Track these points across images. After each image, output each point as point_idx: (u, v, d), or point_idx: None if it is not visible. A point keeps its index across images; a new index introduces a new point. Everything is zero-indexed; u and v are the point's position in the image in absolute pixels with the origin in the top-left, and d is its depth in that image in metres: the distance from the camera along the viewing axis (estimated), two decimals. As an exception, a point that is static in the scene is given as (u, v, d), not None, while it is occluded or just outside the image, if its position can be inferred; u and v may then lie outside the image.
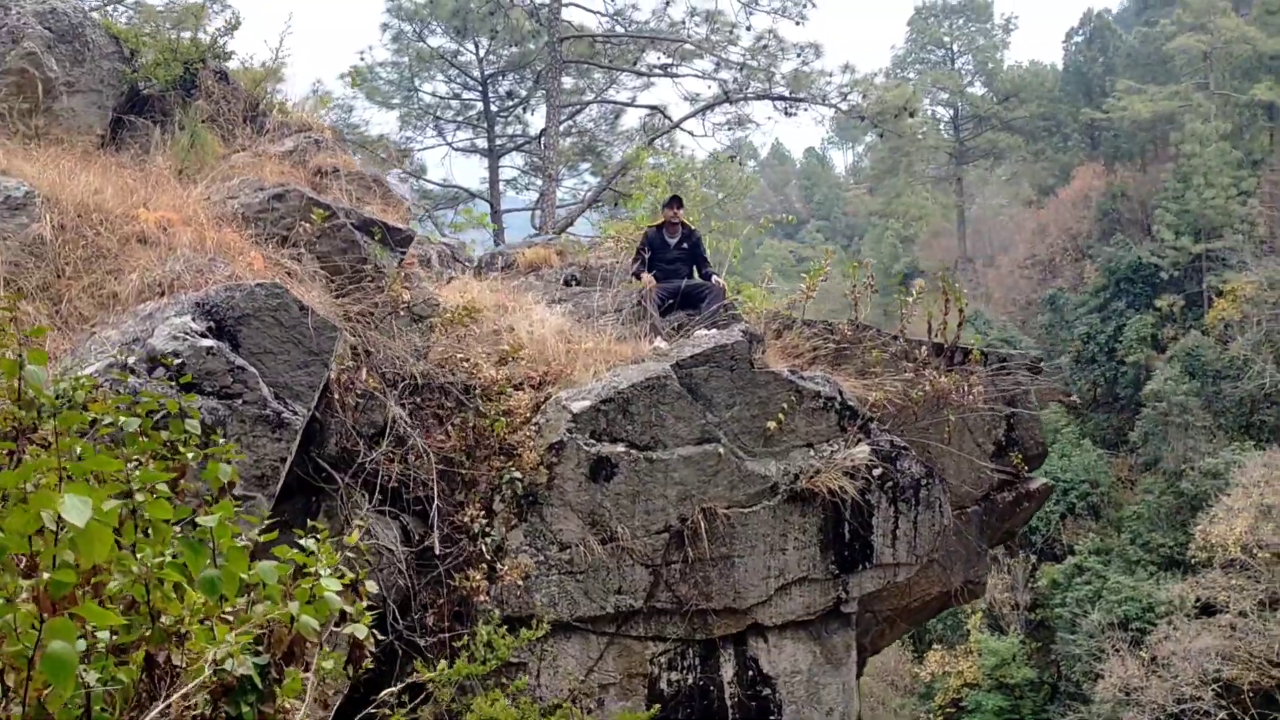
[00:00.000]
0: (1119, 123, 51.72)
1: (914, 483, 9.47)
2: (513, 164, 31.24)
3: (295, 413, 6.52)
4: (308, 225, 7.57)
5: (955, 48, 63.91)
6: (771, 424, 9.14)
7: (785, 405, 9.16)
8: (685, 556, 9.13)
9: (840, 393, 9.35)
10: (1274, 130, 50.84)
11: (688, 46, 23.00)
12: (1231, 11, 49.59)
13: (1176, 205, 47.08)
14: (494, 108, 29.42)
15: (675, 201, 10.78)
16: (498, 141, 29.57)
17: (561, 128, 27.34)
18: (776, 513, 9.25)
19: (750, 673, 9.60)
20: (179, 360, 6.10)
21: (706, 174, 22.88)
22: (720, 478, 9.07)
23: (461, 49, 27.85)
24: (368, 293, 7.67)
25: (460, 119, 30.30)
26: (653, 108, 25.71)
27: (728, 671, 9.54)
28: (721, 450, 9.02)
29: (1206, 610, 35.21)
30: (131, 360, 6.06)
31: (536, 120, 29.12)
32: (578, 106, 26.92)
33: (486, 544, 8.51)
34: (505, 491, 8.64)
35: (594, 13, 23.93)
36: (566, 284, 12.47)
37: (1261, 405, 40.39)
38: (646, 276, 10.00)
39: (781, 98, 22.78)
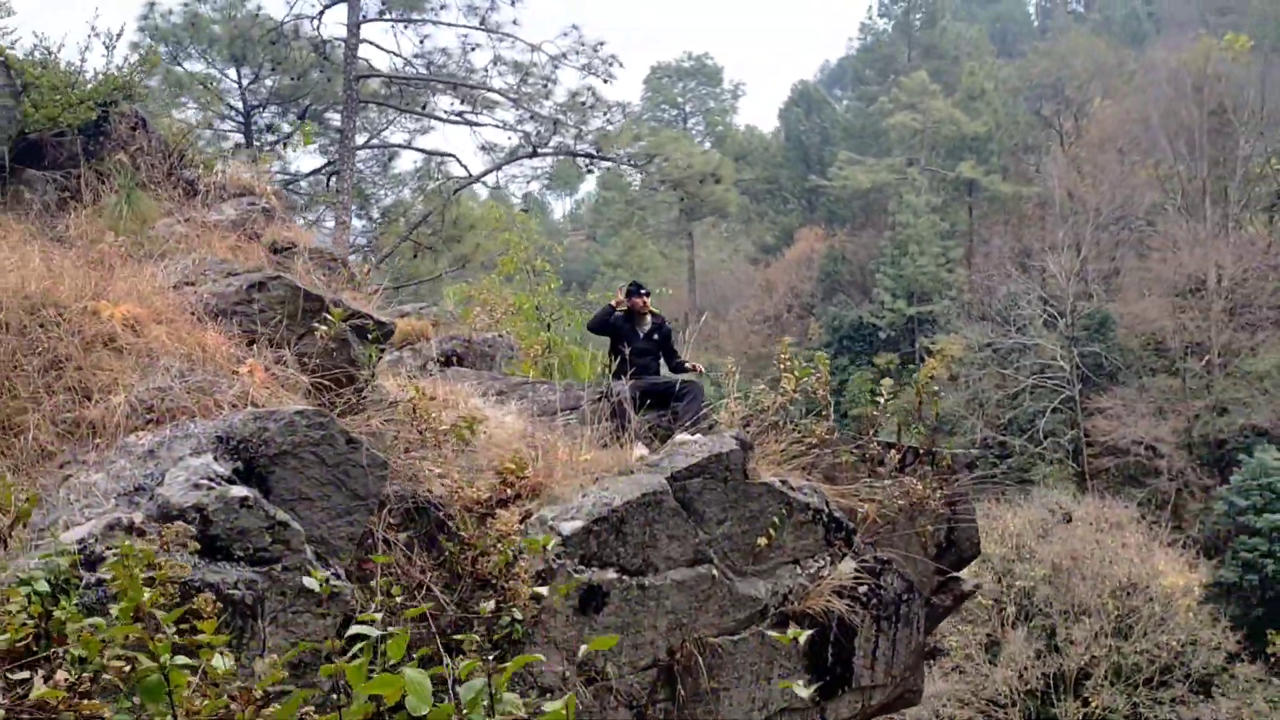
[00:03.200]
0: (839, 190, 55.13)
1: (895, 599, 8.93)
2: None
3: (339, 576, 5.02)
4: (323, 329, 5.99)
5: (688, 108, 66.04)
6: (762, 540, 8.32)
7: (776, 519, 8.38)
8: (673, 694, 8.11)
9: (827, 504, 8.68)
10: (973, 205, 55.90)
11: (490, 94, 21.88)
12: (940, 95, 54.15)
13: (893, 270, 50.55)
14: (255, 142, 26.95)
15: (639, 289, 9.78)
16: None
17: (328, 168, 25.42)
18: (764, 638, 8.42)
19: (729, 816, 8.67)
20: (203, 516, 4.51)
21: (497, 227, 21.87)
22: (711, 603, 8.13)
23: (224, 76, 25.29)
24: (356, 403, 6.19)
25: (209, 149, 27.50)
26: (444, 154, 24.29)
27: (708, 818, 8.57)
28: (715, 572, 8.10)
29: (933, 654, 37.36)
30: (139, 518, 4.41)
31: (299, 158, 26.94)
32: (355, 146, 25.04)
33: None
34: (477, 632, 7.32)
35: (388, 52, 22.31)
36: (446, 362, 11.11)
37: (976, 461, 43.67)
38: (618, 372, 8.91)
39: (588, 155, 22.09)
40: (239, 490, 4.71)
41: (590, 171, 22.60)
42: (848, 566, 8.62)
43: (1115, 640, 35.63)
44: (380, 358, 6.82)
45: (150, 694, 3.29)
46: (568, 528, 7.54)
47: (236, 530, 4.71)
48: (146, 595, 3.98)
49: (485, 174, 22.32)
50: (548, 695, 7.64)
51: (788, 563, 8.56)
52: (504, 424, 8.24)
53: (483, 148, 23.05)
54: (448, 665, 6.99)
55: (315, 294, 6.45)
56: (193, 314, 6.00)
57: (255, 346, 6.03)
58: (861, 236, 56.84)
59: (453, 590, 7.28)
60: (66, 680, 3.65)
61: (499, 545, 7.13)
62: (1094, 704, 35.25)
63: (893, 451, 9.20)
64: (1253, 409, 41.66)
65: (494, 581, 7.20)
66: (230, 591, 4.36)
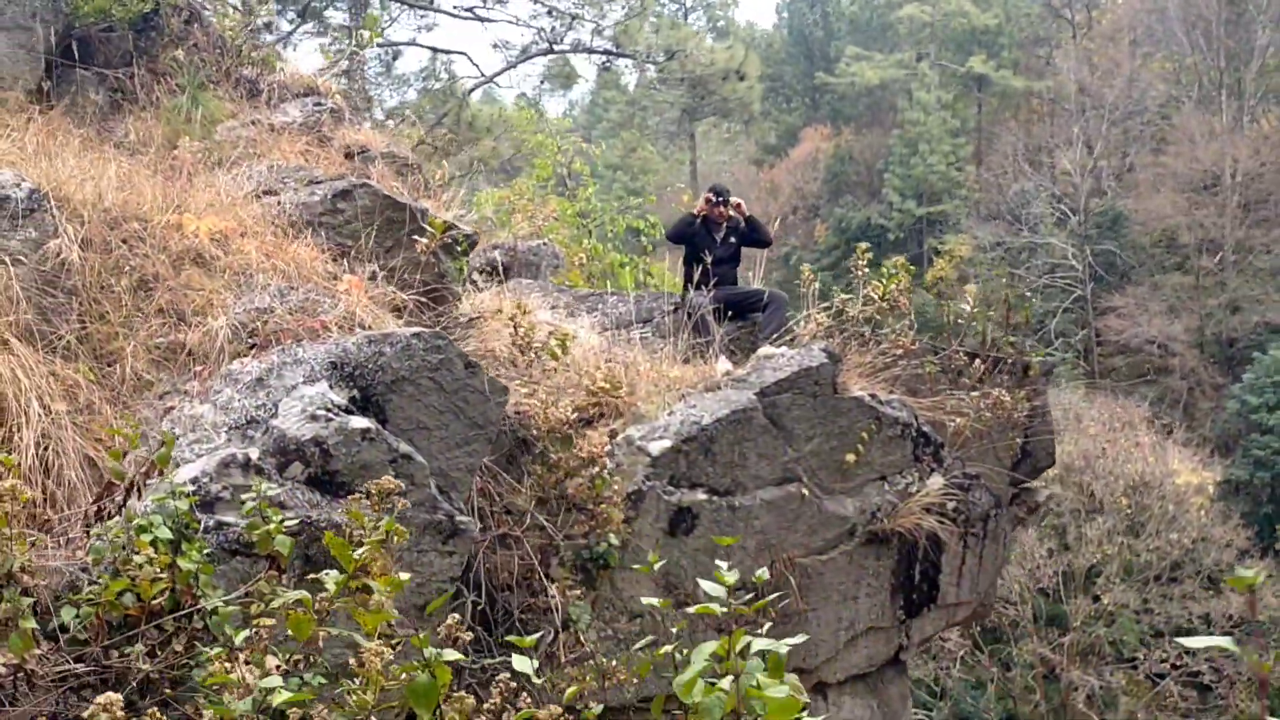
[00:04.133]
0: (846, 88, 53.86)
1: (984, 515, 8.60)
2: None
3: (461, 511, 4.61)
4: (424, 242, 5.47)
5: (688, 3, 64.15)
6: (850, 456, 7.93)
7: (865, 435, 7.98)
8: (760, 611, 7.80)
9: (915, 418, 8.28)
10: (983, 101, 54.69)
11: (503, -12, 20.88)
12: (951, -14, 52.61)
13: (902, 169, 49.63)
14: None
15: (720, 194, 9.22)
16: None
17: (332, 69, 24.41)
18: (853, 558, 8.09)
19: (810, 736, 8.45)
20: (322, 450, 4.07)
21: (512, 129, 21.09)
22: (800, 522, 7.78)
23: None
24: (450, 321, 5.72)
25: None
26: (454, 52, 23.33)
27: (788, 739, 8.34)
28: (805, 491, 7.72)
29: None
30: (254, 453, 3.98)
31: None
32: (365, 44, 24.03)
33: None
34: (565, 555, 6.98)
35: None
36: (492, 271, 10.60)
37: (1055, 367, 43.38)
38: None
39: (605, 52, 21.20)
40: (360, 421, 4.28)
41: (608, 69, 21.71)
42: (936, 483, 8.25)
43: (1127, 538, 35.81)
44: (470, 271, 6.33)
45: (421, 698, 2.87)
46: (656, 448, 7.14)
47: (359, 465, 4.29)
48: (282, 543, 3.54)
49: (499, 74, 21.48)
50: (638, 620, 7.34)
51: (875, 479, 8.19)
52: (579, 339, 7.77)
53: (495, 45, 22.09)
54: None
55: (403, 203, 5.92)
56: (277, 226, 5.47)
57: (346, 261, 5.53)
58: (869, 135, 55.69)
59: (540, 514, 6.92)
60: (278, 667, 3.22)
61: (591, 467, 6.72)
62: (1105, 600, 35.57)
63: (977, 361, 8.76)
64: (1266, 306, 41.33)
65: (585, 505, 6.83)
66: (358, 533, 3.94)
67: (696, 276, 8.40)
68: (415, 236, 5.82)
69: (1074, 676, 35.77)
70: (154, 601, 3.55)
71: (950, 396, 8.47)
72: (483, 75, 21.69)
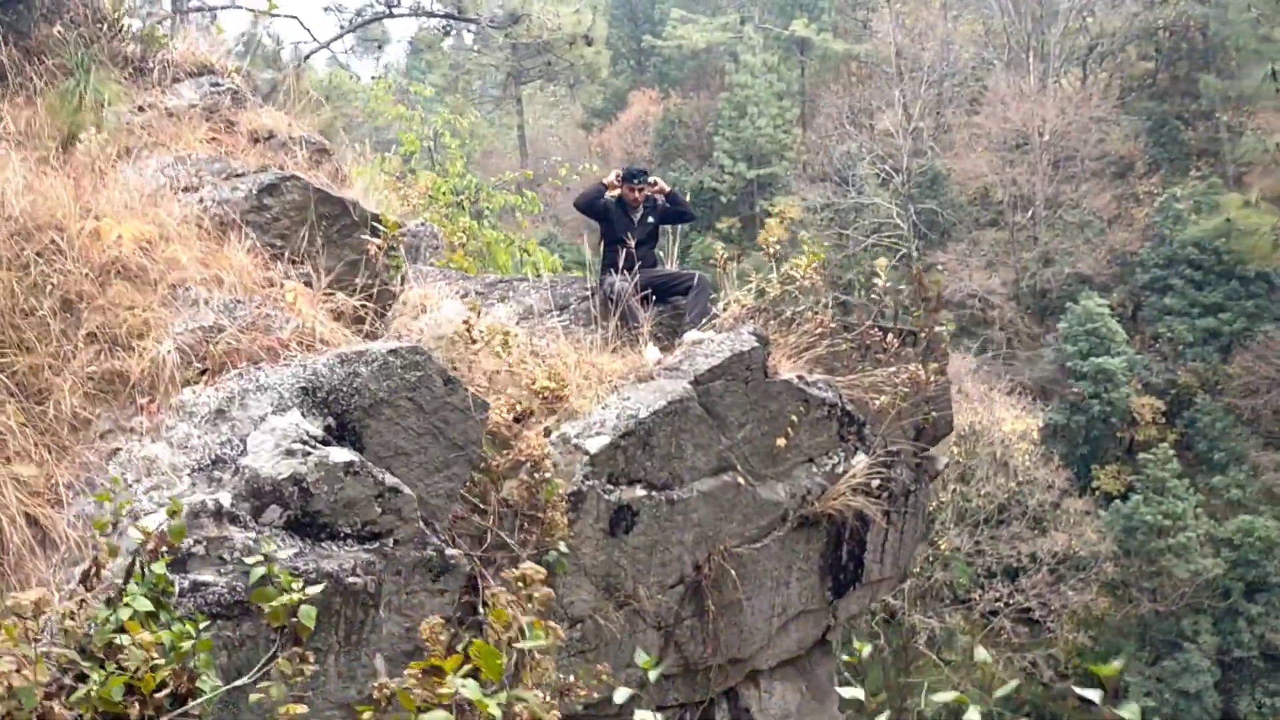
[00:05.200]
0: (673, 50, 53.82)
1: (905, 490, 8.57)
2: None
3: (446, 542, 4.13)
4: (375, 242, 4.85)
5: (510, -37, 62.87)
6: (781, 441, 7.74)
7: (794, 418, 7.79)
8: (697, 609, 7.56)
9: (840, 398, 8.14)
10: (806, 64, 55.66)
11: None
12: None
13: (732, 132, 50.04)
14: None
15: (638, 176, 8.79)
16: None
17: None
18: (785, 543, 7.93)
19: (744, 726, 8.28)
20: (302, 489, 3.54)
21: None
22: (735, 511, 7.55)
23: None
24: (382, 323, 5.14)
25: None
26: (280, 15, 21.87)
27: (722, 730, 8.15)
28: (741, 479, 7.49)
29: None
30: (225, 499, 3.42)
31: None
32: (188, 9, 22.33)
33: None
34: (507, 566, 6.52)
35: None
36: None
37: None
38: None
39: (448, 16, 20.30)
40: (341, 453, 3.76)
41: (448, 33, 20.82)
42: (862, 461, 8.16)
43: (959, 485, 37.41)
44: (405, 268, 5.74)
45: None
46: (594, 445, 6.74)
47: (342, 503, 3.78)
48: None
49: (335, 39, 20.30)
50: (579, 625, 6.96)
51: (803, 462, 8.03)
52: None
53: (328, 9, 20.86)
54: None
55: (335, 196, 5.29)
56: (201, 228, 4.78)
57: (280, 264, 4.89)
58: (697, 99, 55.91)
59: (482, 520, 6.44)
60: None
61: (533, 470, 6.27)
62: (941, 545, 37.13)
63: (890, 336, 8.69)
64: (1076, 258, 43.72)
65: (526, 510, 6.38)
66: (350, 580, 3.45)
67: (620, 260, 7.99)
68: (348, 233, 5.22)
69: (914, 620, 37.29)
70: (157, 695, 2.98)
71: (868, 374, 8.37)
72: (316, 41, 20.46)
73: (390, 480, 3.96)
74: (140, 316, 4.33)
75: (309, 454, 3.77)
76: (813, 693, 8.53)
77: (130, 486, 3.70)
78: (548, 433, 6.74)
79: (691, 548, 7.32)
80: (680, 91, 57.79)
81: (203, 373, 4.28)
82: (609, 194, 8.76)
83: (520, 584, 3.80)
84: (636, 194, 8.82)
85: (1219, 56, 48.63)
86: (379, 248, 5.21)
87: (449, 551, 4.15)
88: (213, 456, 3.84)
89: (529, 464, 6.28)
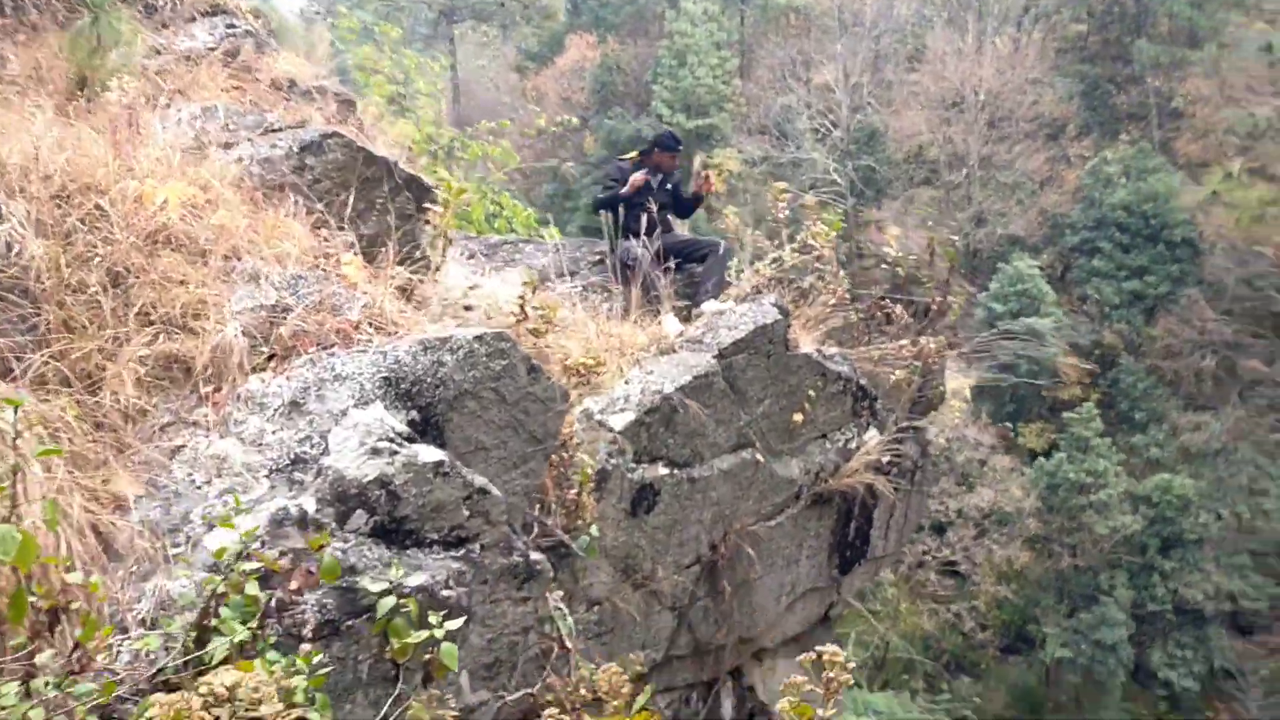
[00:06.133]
0: (611, -6, 52.82)
1: (913, 466, 8.42)
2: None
3: (528, 545, 3.81)
4: (431, 217, 4.40)
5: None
6: (798, 416, 7.52)
7: (811, 393, 7.57)
8: (711, 589, 7.34)
9: (855, 372, 7.93)
10: (745, 14, 55.06)
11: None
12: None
13: (671, 82, 49.32)
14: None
15: (674, 144, 8.43)
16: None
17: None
18: (798, 521, 7.74)
19: (748, 704, 8.13)
20: (389, 492, 3.19)
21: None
22: (753, 489, 7.32)
23: None
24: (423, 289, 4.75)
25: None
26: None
27: (727, 709, 7.98)
28: (760, 457, 7.25)
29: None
30: (309, 504, 3.06)
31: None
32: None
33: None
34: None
35: None
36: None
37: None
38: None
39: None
40: (430, 453, 3.40)
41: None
42: (874, 437, 7.98)
43: (891, 441, 37.91)
44: (448, 238, 5.31)
45: None
46: (619, 422, 6.43)
47: (430, 507, 3.43)
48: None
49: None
50: (595, 608, 6.70)
51: (817, 438, 7.82)
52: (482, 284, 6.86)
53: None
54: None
55: (377, 156, 4.83)
56: (243, 191, 4.31)
57: (325, 230, 4.44)
58: (634, 45, 54.99)
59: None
60: None
61: (562, 450, 5.94)
62: (872, 502, 37.63)
63: (899, 308, 8.49)
64: (1008, 218, 44.22)
65: (554, 493, 6.07)
66: (444, 594, 3.12)
67: (642, 226, 7.61)
68: (391, 196, 4.78)
69: (844, 573, 37.73)
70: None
71: (879, 347, 8.17)
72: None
73: (479, 481, 3.62)
74: (195, 293, 3.88)
75: (396, 453, 3.40)
76: (815, 669, 8.39)
77: (200, 489, 3.30)
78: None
79: (709, 527, 7.08)
80: (618, 37, 56.82)
81: (270, 358, 3.86)
82: (633, 186, 8.34)
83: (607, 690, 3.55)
84: (673, 161, 8.52)
85: (1150, 22, 49.31)
86: (440, 218, 4.80)
87: (533, 556, 3.83)
88: (291, 455, 3.45)
89: (560, 444, 5.95)
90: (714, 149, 49.43)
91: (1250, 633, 38.20)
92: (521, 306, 5.35)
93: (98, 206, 3.86)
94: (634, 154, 8.78)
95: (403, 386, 3.72)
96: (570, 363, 6.00)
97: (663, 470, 6.67)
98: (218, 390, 3.72)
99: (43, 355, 3.44)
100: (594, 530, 5.94)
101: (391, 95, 14.35)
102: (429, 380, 3.77)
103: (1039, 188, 44.79)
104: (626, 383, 6.62)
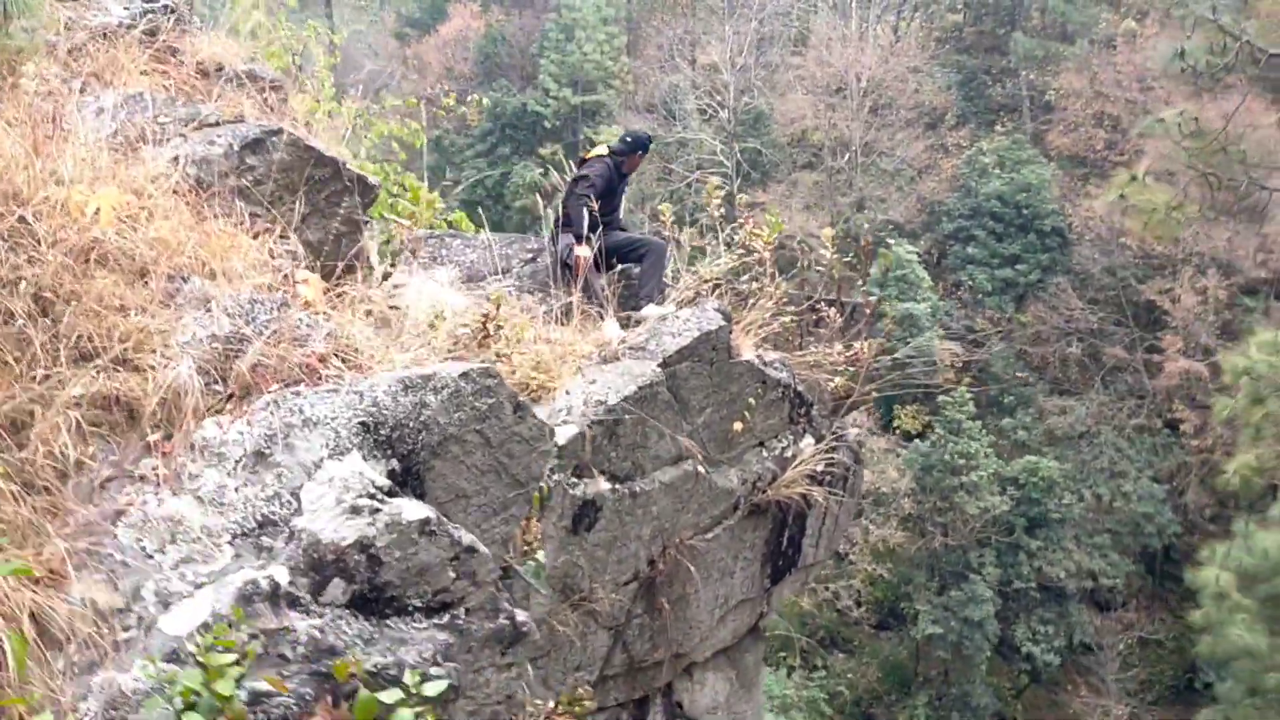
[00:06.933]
0: (497, -37, 51.68)
1: (845, 472, 8.26)
2: None
3: (512, 602, 3.43)
4: (403, 223, 3.92)
5: None
6: (738, 425, 7.27)
7: (751, 400, 7.33)
8: (648, 606, 7.05)
9: (793, 378, 7.72)
10: (633, -11, 54.63)
11: None
12: None
13: (558, 56, 48.61)
14: None
15: (647, 145, 8.03)
16: None
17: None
18: (734, 532, 7.50)
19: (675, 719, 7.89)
20: (369, 556, 2.80)
21: None
22: (692, 501, 7.06)
23: None
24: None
25: None
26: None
27: (656, 725, 7.73)
28: (701, 469, 6.98)
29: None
30: (281, 575, 2.65)
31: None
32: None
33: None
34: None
35: None
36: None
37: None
38: (582, 252, 7.08)
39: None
40: (415, 509, 3.01)
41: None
42: (809, 444, 7.80)
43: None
44: (403, 247, 4.82)
45: None
46: (561, 435, 6.06)
47: (414, 570, 3.04)
48: None
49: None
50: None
51: (754, 446, 7.60)
52: (443, 299, 6.41)
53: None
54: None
55: (328, 156, 4.32)
56: (180, 195, 3.75)
57: (267, 238, 3.93)
58: (520, 17, 54.03)
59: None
60: None
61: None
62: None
63: (833, 310, 8.32)
64: (889, 204, 45.02)
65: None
66: (434, 672, 2.75)
67: (585, 226, 7.18)
68: (336, 199, 4.28)
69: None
70: None
71: (815, 351, 7.98)
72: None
73: (465, 538, 3.23)
74: (136, 322, 3.33)
75: (378, 510, 2.98)
76: (741, 681, 8.22)
77: (152, 558, 2.80)
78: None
79: (648, 542, 6.80)
80: (503, 7, 55.77)
81: (227, 398, 3.35)
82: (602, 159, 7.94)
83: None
84: (639, 160, 8.19)
85: (1023, 15, 50.75)
86: (410, 224, 4.33)
87: (519, 617, 3.46)
88: (258, 516, 2.98)
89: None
90: (600, 125, 49.00)
91: (1108, 609, 39.96)
92: (484, 324, 4.93)
93: (21, 219, 3.29)
94: (602, 150, 8.25)
95: (382, 432, 3.29)
96: (519, 377, 5.60)
97: (604, 485, 6.35)
98: (167, 438, 3.21)
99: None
100: (540, 555, 5.57)
101: (285, 68, 13.45)
102: (411, 424, 3.34)
103: (918, 175, 45.69)
104: (567, 393, 6.26)
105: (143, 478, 3.15)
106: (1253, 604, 19.44)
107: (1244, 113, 15.12)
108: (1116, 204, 12.38)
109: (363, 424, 3.29)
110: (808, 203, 45.78)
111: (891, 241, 38.70)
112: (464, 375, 3.50)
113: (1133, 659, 38.75)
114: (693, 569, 7.02)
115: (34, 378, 3.10)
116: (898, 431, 41.93)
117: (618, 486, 6.43)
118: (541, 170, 48.49)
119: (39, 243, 3.31)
